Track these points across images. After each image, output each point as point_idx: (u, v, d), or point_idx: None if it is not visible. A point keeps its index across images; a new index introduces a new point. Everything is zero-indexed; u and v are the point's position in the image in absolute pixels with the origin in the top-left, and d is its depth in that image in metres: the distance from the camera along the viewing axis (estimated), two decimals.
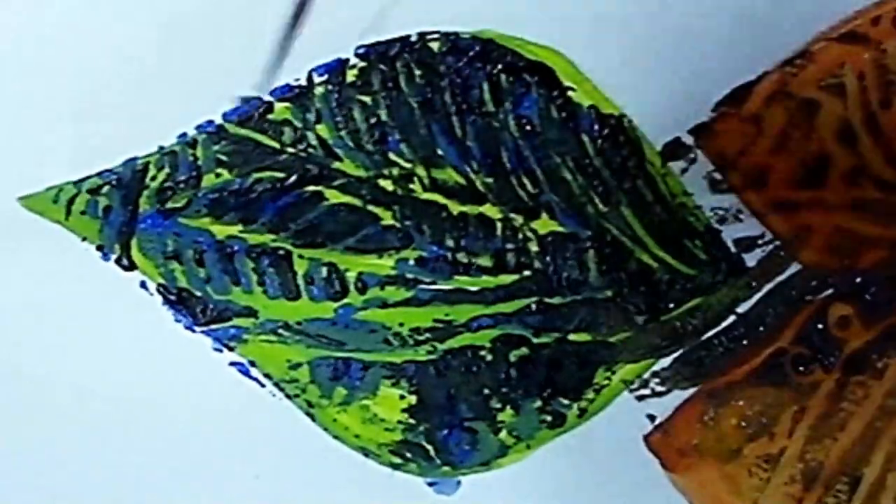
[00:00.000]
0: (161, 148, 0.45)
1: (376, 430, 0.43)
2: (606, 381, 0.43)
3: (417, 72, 0.44)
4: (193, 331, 0.44)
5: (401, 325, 0.43)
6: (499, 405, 0.43)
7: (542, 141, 0.44)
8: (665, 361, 0.43)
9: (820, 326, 0.42)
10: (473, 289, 0.43)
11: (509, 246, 0.44)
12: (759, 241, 0.43)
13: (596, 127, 0.44)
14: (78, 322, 0.45)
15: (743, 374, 0.43)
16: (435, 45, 0.44)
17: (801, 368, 0.42)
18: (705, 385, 0.43)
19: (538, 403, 0.43)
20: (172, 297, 0.44)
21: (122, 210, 0.44)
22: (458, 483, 0.43)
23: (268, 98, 0.45)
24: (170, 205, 0.44)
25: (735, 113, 0.43)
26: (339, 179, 0.44)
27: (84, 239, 0.44)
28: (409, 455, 0.43)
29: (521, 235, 0.44)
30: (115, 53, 0.46)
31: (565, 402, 0.43)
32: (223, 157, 0.44)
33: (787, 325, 0.43)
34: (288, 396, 0.44)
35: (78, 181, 0.45)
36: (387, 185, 0.44)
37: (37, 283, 0.45)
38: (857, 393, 0.42)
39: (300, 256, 0.44)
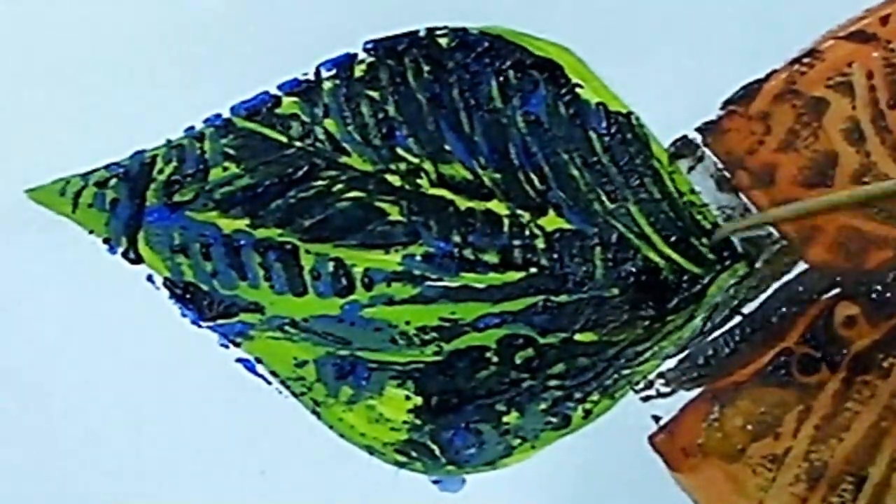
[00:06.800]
0: (169, 141, 0.47)
1: (382, 430, 0.45)
2: (611, 383, 0.45)
3: (425, 67, 0.46)
4: (200, 326, 0.46)
5: (407, 323, 0.45)
6: (504, 407, 0.45)
7: (549, 137, 0.46)
8: (670, 362, 0.45)
9: (826, 326, 0.44)
10: (480, 286, 0.45)
11: (516, 242, 0.46)
12: (766, 241, 0.45)
13: (604, 124, 0.46)
14: (84, 315, 0.46)
15: (748, 374, 0.44)
16: (443, 41, 0.47)
17: (806, 368, 0.44)
18: (711, 385, 0.44)
19: (543, 405, 0.45)
20: (179, 292, 0.46)
21: (129, 203, 0.46)
22: (463, 481, 0.45)
23: (275, 92, 0.47)
24: (177, 198, 0.46)
25: (743, 111, 0.45)
26: (346, 174, 0.46)
27: (91, 232, 0.46)
28: (414, 454, 0.45)
29: (527, 232, 0.46)
30: (123, 46, 0.48)
31: (570, 403, 0.45)
32: (231, 151, 0.47)
33: (793, 324, 0.44)
34: (294, 394, 0.45)
35: (85, 174, 0.47)
36: (394, 179, 0.46)
37: (43, 275, 0.47)
38: (862, 393, 0.44)
39: (307, 251, 0.46)
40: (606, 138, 0.46)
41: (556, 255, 0.46)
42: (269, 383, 0.46)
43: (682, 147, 0.46)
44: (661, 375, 0.45)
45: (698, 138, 0.46)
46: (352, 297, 0.46)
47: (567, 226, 0.46)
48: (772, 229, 0.45)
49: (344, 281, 0.46)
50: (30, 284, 0.47)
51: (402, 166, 0.46)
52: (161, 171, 0.47)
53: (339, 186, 0.46)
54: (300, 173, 0.46)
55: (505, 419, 0.45)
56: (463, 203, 0.46)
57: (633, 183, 0.46)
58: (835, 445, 0.44)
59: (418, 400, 0.45)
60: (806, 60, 0.45)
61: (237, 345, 0.46)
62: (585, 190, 0.46)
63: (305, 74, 0.47)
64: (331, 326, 0.46)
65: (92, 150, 0.47)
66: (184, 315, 0.46)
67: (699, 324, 0.45)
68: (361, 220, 0.46)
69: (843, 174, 0.45)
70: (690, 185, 0.46)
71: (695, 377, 0.45)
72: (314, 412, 0.45)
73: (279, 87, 0.47)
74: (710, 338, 0.45)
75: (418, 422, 0.45)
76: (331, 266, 0.46)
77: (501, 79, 0.46)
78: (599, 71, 0.46)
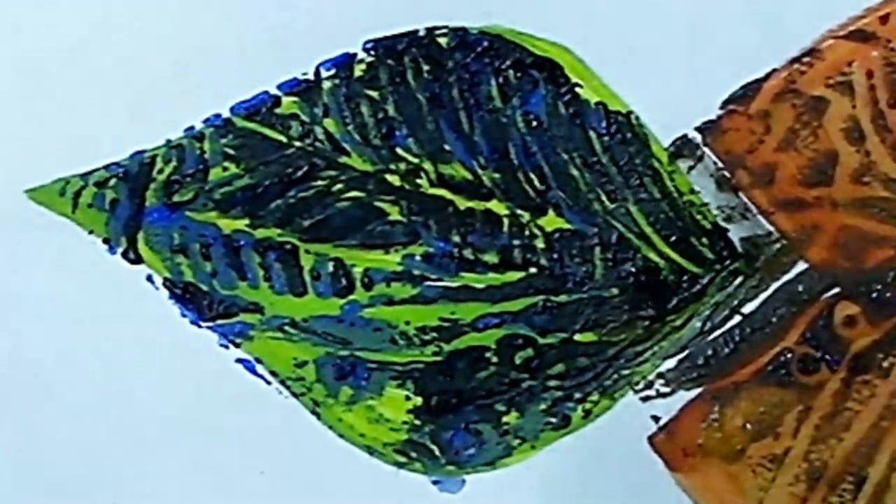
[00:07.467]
0: (168, 141, 0.47)
1: (382, 430, 0.45)
2: (611, 383, 0.45)
3: (425, 67, 0.46)
4: (199, 326, 0.46)
5: (407, 323, 0.46)
6: (504, 407, 0.45)
7: (549, 137, 0.46)
8: (670, 362, 0.45)
9: (826, 326, 0.44)
10: (480, 286, 0.46)
11: (516, 242, 0.46)
12: (766, 240, 0.45)
13: (603, 123, 0.46)
14: (83, 315, 0.47)
15: (748, 374, 0.44)
16: (443, 41, 0.47)
17: (806, 368, 0.44)
18: (710, 385, 0.45)
19: (543, 405, 0.45)
20: (178, 292, 0.46)
21: (128, 203, 0.46)
22: (463, 482, 0.45)
23: (275, 92, 0.47)
24: (177, 198, 0.46)
25: (743, 111, 0.45)
26: (346, 174, 0.46)
27: (90, 232, 0.47)
28: (414, 455, 0.45)
29: (527, 232, 0.46)
30: (123, 46, 0.48)
31: (570, 403, 0.45)
32: (230, 151, 0.47)
33: (792, 324, 0.45)
34: (294, 394, 0.46)
35: (85, 174, 0.47)
36: (394, 179, 0.46)
37: (43, 275, 0.47)
38: (862, 392, 0.44)
39: (307, 251, 0.46)
40: (606, 138, 0.46)
41: (555, 255, 0.46)
42: (269, 383, 0.46)
43: (682, 146, 0.46)
44: (660, 375, 0.45)
45: (698, 138, 0.46)
46: (351, 298, 0.46)
47: (567, 226, 0.46)
48: (771, 228, 0.45)
49: (344, 281, 0.46)
50: (30, 284, 0.47)
51: (402, 166, 0.46)
52: (161, 171, 0.47)
53: (339, 186, 0.46)
54: (300, 173, 0.46)
55: (505, 419, 0.45)
56: (463, 203, 0.46)
57: (633, 183, 0.46)
58: (834, 445, 0.44)
59: (418, 400, 0.45)
60: (806, 60, 0.46)
61: (237, 345, 0.46)
62: (585, 190, 0.46)
63: (305, 74, 0.47)
64: (330, 326, 0.46)
65: (92, 150, 0.47)
66: (183, 315, 0.46)
67: (699, 324, 0.45)
68: (361, 220, 0.46)
69: (843, 173, 0.45)
70: (690, 185, 0.46)
71: (694, 377, 0.45)
72: (314, 412, 0.46)
73: (279, 87, 0.47)
74: (709, 338, 0.45)
75: (418, 422, 0.45)
76: (330, 266, 0.46)
77: (501, 78, 0.47)
78: (599, 71, 0.46)
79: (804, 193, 0.45)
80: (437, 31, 0.47)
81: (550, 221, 0.46)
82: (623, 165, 0.46)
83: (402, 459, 0.45)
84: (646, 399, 0.45)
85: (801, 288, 0.45)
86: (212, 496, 0.46)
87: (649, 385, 0.45)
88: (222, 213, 0.46)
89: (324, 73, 0.47)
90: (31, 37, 0.49)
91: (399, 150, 0.46)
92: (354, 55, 0.47)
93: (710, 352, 0.45)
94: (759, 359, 0.45)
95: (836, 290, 0.45)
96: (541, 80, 0.46)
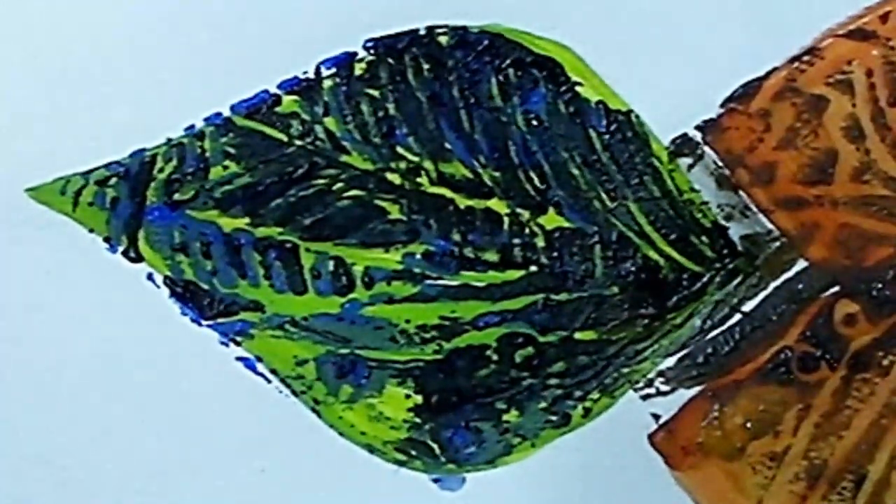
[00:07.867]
0: (169, 140, 0.47)
1: (382, 428, 0.45)
2: (611, 381, 0.45)
3: (426, 66, 0.46)
4: (200, 324, 0.46)
5: (407, 321, 0.46)
6: (504, 406, 0.45)
7: (549, 136, 0.46)
8: (670, 361, 0.45)
9: (826, 324, 0.44)
10: (480, 284, 0.46)
11: (516, 241, 0.46)
12: (766, 238, 0.46)
13: (604, 122, 0.46)
14: (84, 314, 0.47)
15: (748, 372, 0.45)
16: (443, 39, 0.47)
17: (806, 366, 0.44)
18: (710, 384, 0.45)
19: (543, 403, 0.45)
20: (179, 290, 0.46)
21: (129, 202, 0.46)
22: (463, 480, 0.45)
23: (275, 91, 0.47)
24: (177, 197, 0.46)
25: (743, 109, 0.45)
26: (346, 172, 0.46)
27: (91, 230, 0.47)
28: (414, 453, 0.45)
29: (527, 230, 0.46)
30: (123, 45, 0.48)
31: (570, 402, 0.45)
32: (231, 150, 0.47)
33: (792, 322, 0.45)
34: (294, 393, 0.46)
35: (85, 172, 0.47)
36: (394, 178, 0.46)
37: (44, 274, 0.47)
38: (862, 391, 0.44)
39: (307, 250, 0.46)
40: (606, 136, 0.46)
41: (555, 254, 0.46)
42: (270, 382, 0.46)
43: (682, 145, 0.46)
44: (660, 374, 0.45)
45: (698, 136, 0.46)
46: (352, 296, 0.46)
47: (567, 224, 0.46)
48: (771, 227, 0.45)
49: (344, 279, 0.46)
50: (30, 284, 0.47)
51: (402, 165, 0.46)
52: (161, 170, 0.47)
53: (340, 185, 0.46)
54: (300, 172, 0.46)
55: (505, 418, 0.45)
56: (463, 201, 0.46)
57: (633, 181, 0.46)
58: (834, 443, 0.44)
59: (418, 398, 0.46)
60: (806, 58, 0.46)
61: (237, 343, 0.46)
62: (585, 188, 0.46)
63: (305, 73, 0.47)
64: (331, 325, 0.46)
65: (92, 149, 0.47)
66: (184, 314, 0.46)
67: (699, 322, 0.45)
68: (361, 218, 0.46)
69: (842, 172, 0.45)
70: (690, 184, 0.46)
71: (694, 375, 0.45)
72: (314, 411, 0.46)
73: (279, 86, 0.47)
74: (709, 336, 0.45)
75: (418, 420, 0.45)
76: (331, 264, 0.46)
77: (501, 77, 0.47)
78: (599, 69, 0.46)
79: (804, 192, 0.45)
80: (438, 30, 0.47)
81: (550, 220, 0.46)
82: (623, 164, 0.46)
83: (402, 458, 0.45)
84: (646, 397, 0.45)
85: (801, 286, 0.45)
86: (212, 495, 0.46)
87: (649, 383, 0.45)
88: (223, 212, 0.46)
89: (324, 72, 0.47)
90: (31, 36, 0.49)
91: (399, 149, 0.46)
92: (355, 54, 0.47)
93: (710, 350, 0.45)
94: (759, 357, 0.45)
95: (836, 288, 0.45)
96: (541, 78, 0.46)
